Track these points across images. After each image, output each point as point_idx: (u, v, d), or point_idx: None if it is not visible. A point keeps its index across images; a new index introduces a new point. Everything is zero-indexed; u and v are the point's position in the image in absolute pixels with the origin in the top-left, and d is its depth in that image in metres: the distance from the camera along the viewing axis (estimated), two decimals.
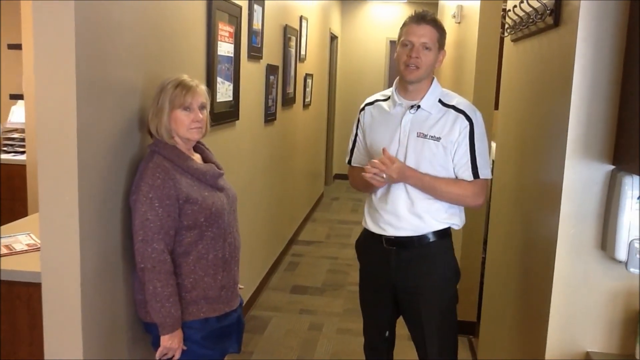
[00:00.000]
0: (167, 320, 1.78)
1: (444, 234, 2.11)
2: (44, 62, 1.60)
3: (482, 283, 3.26)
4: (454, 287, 2.17)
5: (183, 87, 1.84)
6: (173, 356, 1.84)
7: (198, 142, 1.99)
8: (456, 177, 2.06)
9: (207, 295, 1.88)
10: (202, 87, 1.90)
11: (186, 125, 1.84)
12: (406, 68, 2.01)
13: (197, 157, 1.98)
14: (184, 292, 1.85)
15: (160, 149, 1.84)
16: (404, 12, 8.38)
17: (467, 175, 2.04)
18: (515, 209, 2.24)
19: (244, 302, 2.38)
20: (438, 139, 2.01)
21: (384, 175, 1.95)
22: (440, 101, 2.07)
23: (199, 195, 1.85)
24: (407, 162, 2.03)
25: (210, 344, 1.92)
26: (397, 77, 2.13)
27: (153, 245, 1.76)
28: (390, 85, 2.20)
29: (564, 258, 1.65)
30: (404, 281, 2.12)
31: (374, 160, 1.97)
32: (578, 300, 1.66)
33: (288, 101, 4.97)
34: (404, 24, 2.05)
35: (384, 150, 1.99)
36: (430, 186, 2.02)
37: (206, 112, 1.91)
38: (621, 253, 1.53)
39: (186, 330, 1.86)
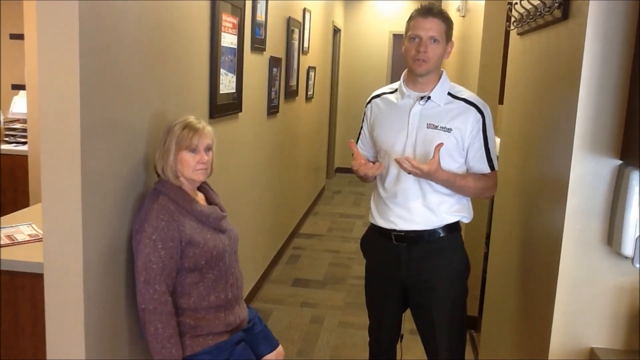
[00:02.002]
0: None
1: (454, 228, 2.11)
2: (48, 52, 1.59)
3: (484, 278, 3.25)
4: (465, 281, 2.16)
5: (190, 129, 1.86)
6: None
7: (203, 182, 2.01)
8: (467, 171, 2.08)
9: (213, 332, 1.90)
10: (209, 129, 1.93)
11: (192, 166, 1.87)
12: (415, 62, 1.99)
13: (200, 197, 2.00)
14: (188, 329, 1.87)
15: (166, 190, 1.86)
16: (407, 5, 8.33)
17: (484, 168, 2.07)
18: (520, 203, 2.23)
19: (245, 296, 2.39)
20: (449, 130, 2.01)
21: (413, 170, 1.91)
22: (449, 93, 2.06)
23: (201, 238, 1.86)
24: (417, 154, 2.02)
25: (225, 356, 1.92)
26: (406, 70, 2.12)
27: (155, 286, 1.78)
28: (392, 79, 2.20)
29: (569, 253, 1.64)
30: (414, 277, 2.11)
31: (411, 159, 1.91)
32: (583, 296, 1.65)
33: (291, 94, 4.95)
34: (411, 18, 2.03)
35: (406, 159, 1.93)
36: (460, 184, 2.02)
37: (212, 153, 1.93)
38: (628, 248, 1.52)
39: (199, 357, 1.87)
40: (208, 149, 1.91)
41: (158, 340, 1.78)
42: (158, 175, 1.92)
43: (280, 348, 2.18)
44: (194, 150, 1.86)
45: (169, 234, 1.79)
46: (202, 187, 2.04)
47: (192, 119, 1.91)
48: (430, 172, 1.90)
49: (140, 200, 1.94)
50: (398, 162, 1.91)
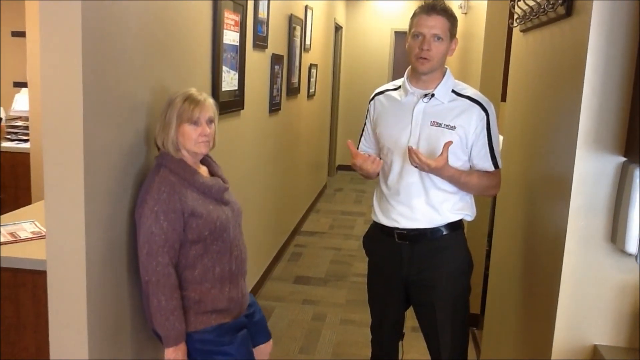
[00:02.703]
0: (171, 333, 1.79)
1: (457, 226, 2.10)
2: (51, 50, 1.59)
3: (486, 275, 3.25)
4: (468, 279, 2.16)
5: (191, 101, 1.84)
6: None
7: (206, 154, 1.99)
8: (471, 168, 2.07)
9: (216, 308, 1.89)
10: (210, 101, 1.90)
11: (193, 139, 1.85)
12: (418, 60, 1.98)
13: (203, 170, 1.98)
14: (192, 304, 1.86)
15: (167, 163, 1.84)
16: (410, 2, 8.31)
17: (488, 165, 2.06)
18: (523, 201, 2.22)
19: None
20: (453, 127, 2.00)
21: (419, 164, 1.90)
22: (453, 91, 2.05)
23: (204, 209, 1.85)
24: (420, 151, 2.01)
25: (227, 340, 1.92)
26: (409, 67, 2.11)
27: (158, 259, 1.77)
28: (394, 77, 2.19)
29: (573, 251, 1.64)
30: (417, 275, 2.11)
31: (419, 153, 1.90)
32: (586, 293, 1.65)
33: (292, 91, 4.94)
34: (414, 15, 2.02)
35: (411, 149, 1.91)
36: (464, 181, 2.02)
37: (214, 126, 1.91)
38: (631, 246, 1.51)
39: (201, 335, 1.86)
40: (210, 121, 1.88)
41: (161, 312, 1.77)
42: (158, 148, 1.89)
43: (271, 341, 2.20)
44: (195, 123, 1.84)
45: (170, 205, 1.77)
46: (205, 160, 2.02)
47: (193, 91, 1.88)
48: (437, 168, 1.90)
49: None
50: (409, 150, 1.89)
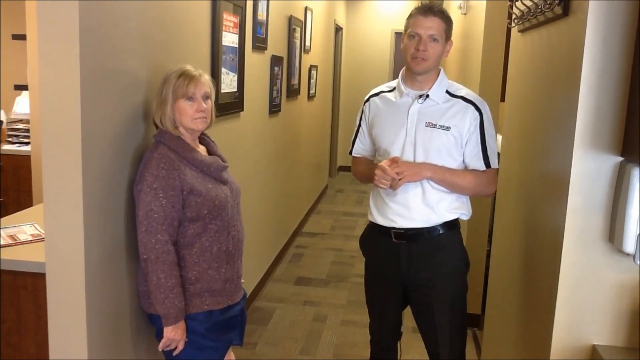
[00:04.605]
0: (171, 311, 1.78)
1: (453, 225, 2.11)
2: (48, 53, 1.59)
3: (486, 275, 3.25)
4: (465, 277, 2.16)
5: (186, 77, 1.83)
6: (176, 347, 1.84)
7: (203, 134, 1.98)
8: (465, 168, 2.08)
9: (211, 288, 1.88)
10: (206, 77, 1.89)
11: (190, 115, 1.83)
12: (414, 60, 2.00)
13: (202, 149, 1.97)
14: (188, 285, 1.85)
15: (165, 140, 1.83)
16: (410, 3, 8.31)
17: (480, 165, 2.06)
18: (522, 201, 2.23)
19: (248, 294, 2.38)
20: (447, 128, 2.01)
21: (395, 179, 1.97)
22: (447, 92, 2.06)
23: (202, 187, 1.84)
24: (416, 153, 2.03)
25: (214, 336, 1.92)
26: (404, 68, 2.12)
27: (157, 236, 1.76)
28: (394, 78, 2.19)
29: (570, 250, 1.64)
30: (414, 274, 2.11)
31: (385, 167, 1.96)
32: (584, 293, 1.65)
33: (292, 92, 4.95)
34: (410, 15, 2.03)
35: (393, 159, 2.00)
36: (450, 179, 2.02)
37: (210, 102, 1.89)
38: (629, 245, 1.51)
39: (190, 322, 1.85)
40: (206, 97, 1.87)
41: (161, 290, 1.77)
42: (157, 126, 1.88)
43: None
44: (191, 99, 1.83)
45: (169, 182, 1.77)
46: (203, 139, 2.01)
47: (188, 67, 1.87)
48: (409, 169, 1.95)
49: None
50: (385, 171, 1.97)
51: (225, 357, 2.03)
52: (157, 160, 1.78)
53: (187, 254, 1.84)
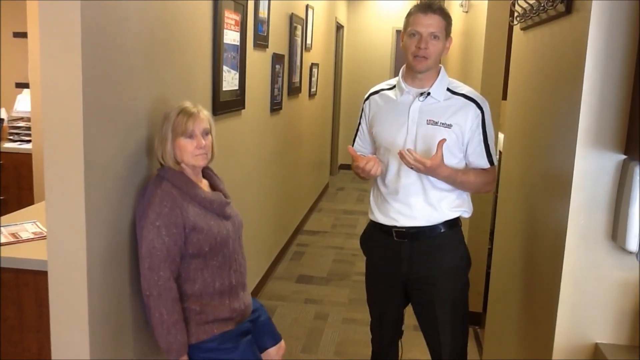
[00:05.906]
0: (173, 346, 1.80)
1: (454, 224, 2.11)
2: (50, 51, 1.59)
3: (488, 274, 3.25)
4: (466, 275, 2.16)
5: (185, 114, 1.85)
6: None
7: (207, 168, 2.00)
8: (466, 165, 2.08)
9: (218, 317, 1.90)
10: (205, 113, 1.91)
11: (190, 152, 1.85)
12: (415, 58, 1.99)
13: (204, 184, 1.98)
14: (194, 315, 1.86)
15: (168, 176, 1.85)
16: (411, 1, 8.30)
17: (484, 163, 2.07)
18: (524, 199, 2.22)
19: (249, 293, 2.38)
20: (449, 126, 2.01)
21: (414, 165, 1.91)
22: (448, 89, 2.06)
23: (205, 224, 1.85)
24: (418, 150, 2.02)
25: (231, 346, 1.92)
26: (404, 65, 2.11)
27: (159, 273, 1.77)
28: (396, 76, 2.19)
29: (573, 248, 1.64)
30: (416, 273, 2.11)
31: (414, 151, 1.90)
32: (587, 291, 1.65)
33: (294, 90, 4.95)
34: (410, 13, 2.03)
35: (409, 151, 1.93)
36: (461, 180, 2.02)
37: (211, 137, 1.91)
38: (632, 244, 1.51)
39: (204, 344, 1.87)
40: (205, 133, 1.88)
41: (163, 326, 1.78)
42: (160, 163, 1.90)
43: (282, 342, 2.18)
44: (190, 136, 1.84)
45: (172, 219, 1.78)
46: (206, 173, 2.03)
47: (187, 104, 1.89)
48: (432, 168, 1.90)
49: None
50: (400, 154, 1.90)
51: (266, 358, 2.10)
52: (160, 197, 1.80)
53: (190, 288, 1.87)
